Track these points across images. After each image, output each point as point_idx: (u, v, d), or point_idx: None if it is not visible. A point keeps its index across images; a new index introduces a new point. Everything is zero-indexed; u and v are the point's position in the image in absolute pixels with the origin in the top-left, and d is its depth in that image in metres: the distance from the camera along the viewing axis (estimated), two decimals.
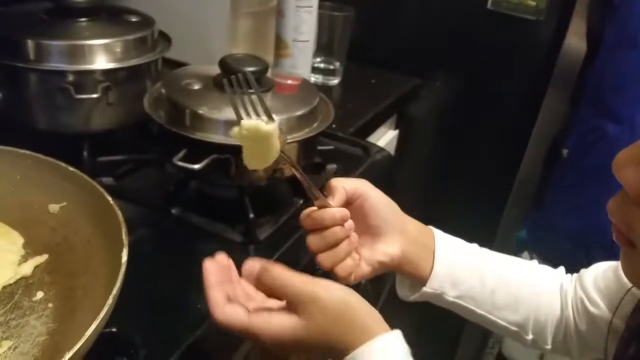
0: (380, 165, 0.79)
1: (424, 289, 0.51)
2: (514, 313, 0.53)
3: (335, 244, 0.46)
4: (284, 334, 0.40)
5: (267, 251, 0.58)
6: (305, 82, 0.70)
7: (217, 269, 0.43)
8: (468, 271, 0.52)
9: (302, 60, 0.93)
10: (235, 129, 0.43)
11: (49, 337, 0.40)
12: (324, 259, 0.46)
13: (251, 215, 0.60)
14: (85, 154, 0.66)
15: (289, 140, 0.60)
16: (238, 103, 0.47)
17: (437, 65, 1.18)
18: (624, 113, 1.08)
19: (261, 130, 0.42)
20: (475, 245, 0.55)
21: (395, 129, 1.17)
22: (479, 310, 0.53)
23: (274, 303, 0.43)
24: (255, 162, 0.45)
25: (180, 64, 0.82)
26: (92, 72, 0.63)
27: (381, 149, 0.82)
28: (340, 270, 0.46)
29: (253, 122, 0.43)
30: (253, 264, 0.44)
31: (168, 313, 0.50)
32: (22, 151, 0.50)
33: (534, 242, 1.34)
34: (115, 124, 0.68)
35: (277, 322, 0.40)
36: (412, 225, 0.52)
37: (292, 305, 0.40)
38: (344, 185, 0.48)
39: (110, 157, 0.67)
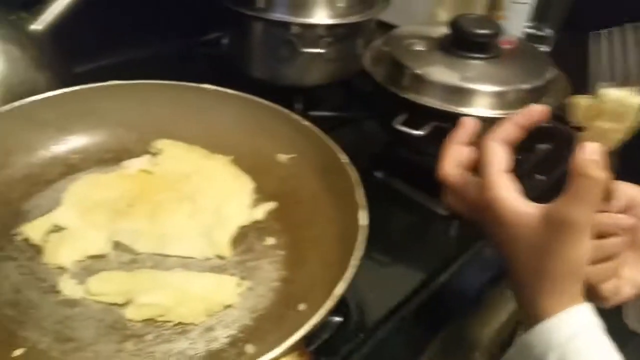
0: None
1: None
2: None
3: (608, 257, 0.39)
4: (518, 215, 0.36)
5: (473, 230, 0.55)
6: (525, 46, 0.64)
7: (472, 130, 0.42)
8: None
9: (515, 24, 0.85)
10: (582, 99, 0.38)
11: (282, 284, 0.41)
12: (591, 273, 0.38)
13: None
14: (299, 107, 0.67)
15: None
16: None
17: None
18: None
19: (629, 104, 0.36)
20: None
21: None
22: None
23: None
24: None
25: (383, 24, 0.80)
26: (317, 26, 0.63)
27: None
28: (605, 289, 0.39)
29: (618, 91, 0.36)
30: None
31: (375, 279, 0.50)
32: (258, 99, 0.52)
33: None
34: (327, 79, 0.68)
35: (521, 202, 0.36)
36: None
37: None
38: (625, 190, 0.41)
39: (320, 112, 0.67)
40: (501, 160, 0.38)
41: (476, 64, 0.57)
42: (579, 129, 0.38)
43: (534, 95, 0.56)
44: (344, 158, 0.45)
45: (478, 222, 0.40)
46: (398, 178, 0.62)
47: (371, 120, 0.67)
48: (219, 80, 0.56)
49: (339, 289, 0.34)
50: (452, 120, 0.54)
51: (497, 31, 0.56)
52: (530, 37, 0.94)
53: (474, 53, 0.57)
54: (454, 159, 0.41)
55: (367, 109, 0.67)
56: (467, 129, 0.42)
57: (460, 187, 0.40)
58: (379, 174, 0.62)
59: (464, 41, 0.57)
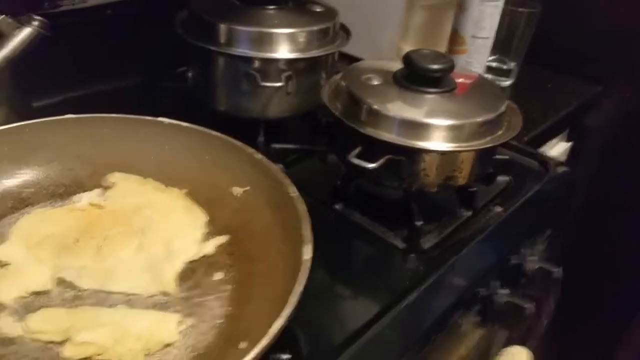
0: (560, 183, 0.71)
1: None
2: None
3: None
4: None
5: (430, 263, 0.55)
6: (483, 81, 0.65)
7: None
8: None
9: (478, 58, 0.87)
10: None
11: (226, 321, 0.41)
12: None
13: (418, 222, 0.57)
14: (261, 140, 0.67)
15: (469, 148, 0.56)
16: None
17: (626, 73, 1.03)
18: None
19: None
20: None
21: (568, 141, 1.06)
22: None
23: None
24: None
25: (349, 57, 0.81)
26: (277, 60, 0.65)
27: (560, 164, 0.74)
28: None
29: None
30: None
31: (328, 312, 0.49)
32: (214, 132, 0.53)
33: None
34: (290, 112, 0.69)
35: None
36: None
37: None
38: None
39: (283, 144, 0.68)
40: None
41: (429, 98, 0.58)
42: None
43: (488, 128, 0.57)
44: (293, 192, 0.46)
45: None
46: (356, 210, 0.62)
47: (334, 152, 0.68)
48: (184, 114, 0.56)
49: (276, 326, 0.34)
50: (405, 153, 0.56)
51: (449, 66, 0.58)
52: (494, 71, 0.97)
53: (427, 87, 0.58)
54: None
55: (329, 142, 0.68)
56: None
57: None
58: (338, 206, 0.62)
59: (417, 76, 0.58)
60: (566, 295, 0.68)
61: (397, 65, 0.61)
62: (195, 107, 0.71)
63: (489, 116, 0.57)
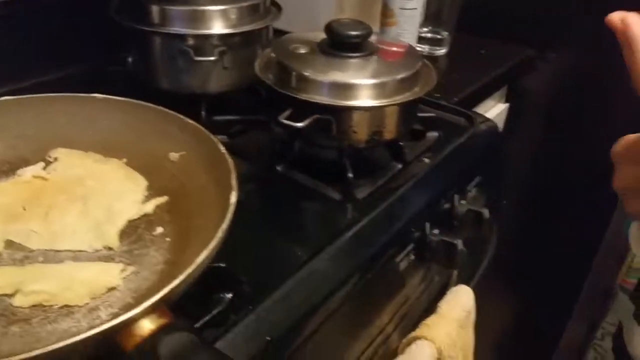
0: (485, 136, 0.77)
1: None
2: None
3: None
4: None
5: (364, 210, 0.60)
6: (410, 49, 0.70)
7: None
8: None
9: (408, 29, 0.92)
10: None
11: (166, 266, 0.45)
12: None
13: (350, 175, 0.62)
14: (203, 113, 0.71)
15: (388, 103, 0.61)
16: None
17: (557, 36, 1.10)
18: None
19: None
20: None
21: (506, 102, 1.12)
22: None
23: None
24: None
25: (286, 33, 0.85)
26: (210, 36, 0.68)
27: (487, 119, 0.80)
28: None
29: None
30: None
31: (270, 257, 0.54)
32: (148, 104, 0.56)
33: None
34: (229, 86, 0.73)
35: None
36: None
37: None
38: None
39: (225, 116, 0.72)
40: None
41: (352, 62, 0.62)
42: None
43: (406, 85, 0.62)
44: (222, 149, 0.50)
45: None
46: (297, 170, 0.66)
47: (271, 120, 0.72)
48: (132, 95, 0.59)
49: (201, 256, 0.38)
50: (331, 112, 0.60)
51: (367, 32, 0.63)
52: (428, 41, 1.02)
53: (349, 52, 0.63)
54: None
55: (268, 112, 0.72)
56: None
57: None
58: (280, 167, 0.67)
59: (339, 43, 0.63)
60: (517, 242, 0.72)
61: (321, 36, 0.66)
62: (141, 88, 0.74)
63: (406, 74, 0.62)
